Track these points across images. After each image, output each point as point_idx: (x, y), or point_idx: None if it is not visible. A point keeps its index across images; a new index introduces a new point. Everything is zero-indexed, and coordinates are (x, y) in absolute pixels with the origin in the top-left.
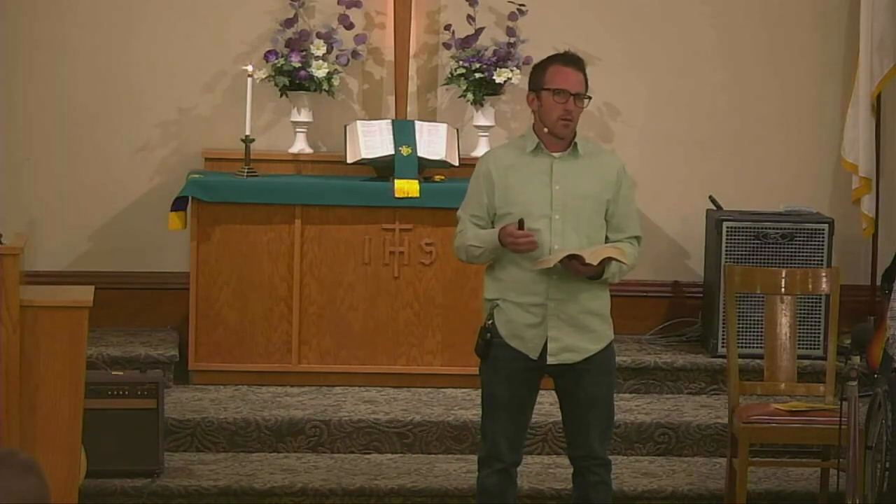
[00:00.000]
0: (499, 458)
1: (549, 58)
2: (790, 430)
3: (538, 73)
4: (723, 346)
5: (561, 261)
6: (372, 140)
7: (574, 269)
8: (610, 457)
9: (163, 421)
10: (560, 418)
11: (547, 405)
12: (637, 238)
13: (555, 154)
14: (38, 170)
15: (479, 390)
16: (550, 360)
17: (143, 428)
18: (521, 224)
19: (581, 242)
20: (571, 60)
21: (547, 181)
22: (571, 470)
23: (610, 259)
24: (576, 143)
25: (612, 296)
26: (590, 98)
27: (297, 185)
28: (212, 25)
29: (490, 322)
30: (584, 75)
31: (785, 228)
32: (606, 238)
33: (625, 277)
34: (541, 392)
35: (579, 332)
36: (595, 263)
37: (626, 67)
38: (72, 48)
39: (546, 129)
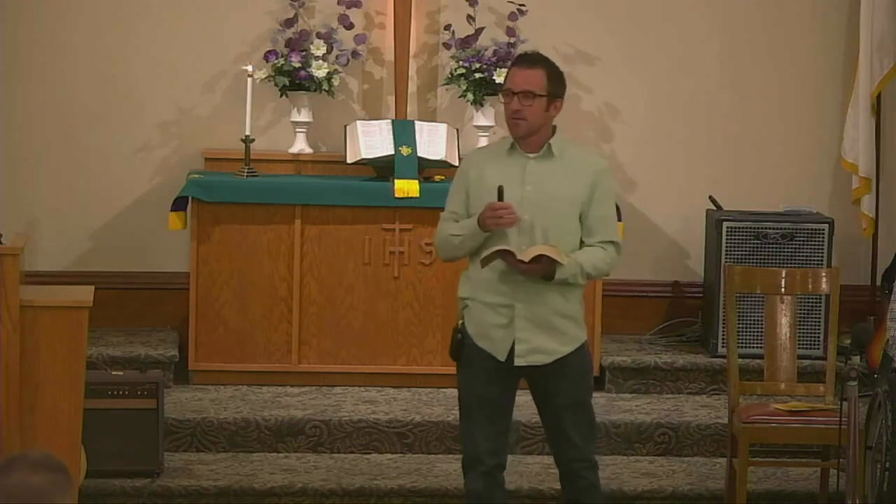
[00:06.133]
0: (479, 460)
1: None
2: (790, 430)
3: None
4: (723, 346)
5: (499, 255)
6: (372, 140)
7: (513, 266)
8: (610, 457)
9: (163, 421)
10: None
11: None
12: (611, 243)
13: (529, 154)
14: (38, 170)
15: None
16: (518, 362)
17: (142, 428)
18: (500, 193)
19: (549, 244)
20: (522, 59)
21: (519, 181)
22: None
23: (549, 258)
24: (549, 144)
25: (611, 296)
26: (544, 96)
27: (297, 185)
28: (212, 25)
29: (461, 322)
30: (544, 71)
31: (785, 228)
32: (581, 242)
33: (624, 277)
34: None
35: (548, 333)
36: (526, 260)
37: (626, 67)
38: (72, 48)
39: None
